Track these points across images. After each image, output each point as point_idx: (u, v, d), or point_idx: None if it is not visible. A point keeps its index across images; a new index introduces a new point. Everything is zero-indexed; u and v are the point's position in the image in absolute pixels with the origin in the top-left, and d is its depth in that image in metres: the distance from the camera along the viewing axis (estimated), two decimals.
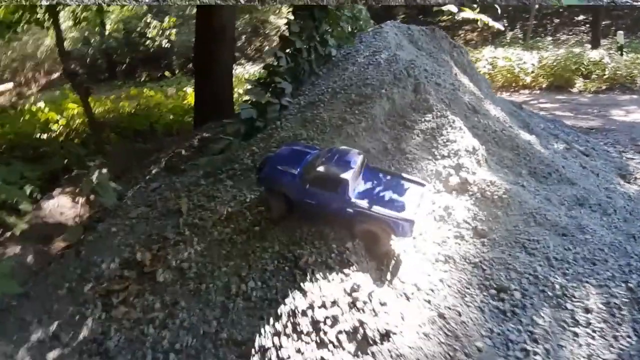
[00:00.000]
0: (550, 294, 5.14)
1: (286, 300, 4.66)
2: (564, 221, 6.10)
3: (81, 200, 8.43)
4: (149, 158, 9.55)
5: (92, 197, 8.06)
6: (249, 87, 7.83)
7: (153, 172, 8.29)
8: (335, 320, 4.32)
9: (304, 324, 4.39)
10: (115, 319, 5.11)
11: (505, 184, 6.12)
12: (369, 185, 5.45)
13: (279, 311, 4.61)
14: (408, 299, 4.76)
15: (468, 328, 4.66)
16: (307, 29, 8.06)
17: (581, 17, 19.40)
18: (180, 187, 7.18)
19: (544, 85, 17.04)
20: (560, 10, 19.57)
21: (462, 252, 5.49)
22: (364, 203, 5.08)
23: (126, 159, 10.39)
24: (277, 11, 25.10)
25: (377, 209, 5.02)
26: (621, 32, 15.57)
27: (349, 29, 8.67)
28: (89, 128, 11.60)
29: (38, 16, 10.67)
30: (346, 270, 4.77)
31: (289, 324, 4.46)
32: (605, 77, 15.45)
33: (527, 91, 17.21)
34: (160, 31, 24.61)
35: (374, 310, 4.36)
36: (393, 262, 5.13)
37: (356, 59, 7.79)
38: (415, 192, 5.37)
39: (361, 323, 4.26)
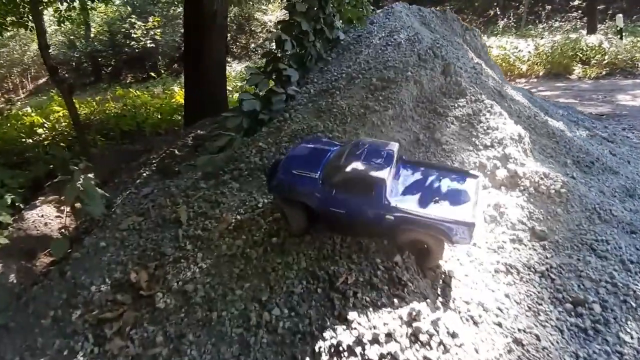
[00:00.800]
0: (633, 304, 4.20)
1: (325, 334, 3.55)
2: (628, 216, 5.17)
3: (66, 209, 7.22)
4: (138, 160, 8.29)
5: (78, 205, 6.87)
6: (250, 74, 6.66)
7: (144, 175, 7.06)
8: (394, 359, 3.25)
9: None
10: (110, 355, 3.99)
11: (561, 176, 5.13)
12: (409, 182, 4.32)
13: (316, 348, 3.50)
14: (476, 323, 3.70)
15: (551, 355, 3.65)
16: (312, 9, 6.93)
17: (576, 3, 18.72)
18: (177, 192, 6.00)
19: (540, 73, 16.25)
20: None
21: (523, 259, 4.49)
22: (408, 206, 3.96)
23: (113, 161, 9.11)
24: (265, 5, 23.83)
25: (425, 212, 3.90)
26: (620, 15, 14.87)
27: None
28: (73, 129, 10.28)
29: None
30: (398, 292, 3.69)
31: None
32: (605, 62, 14.73)
33: (523, 80, 16.38)
34: (145, 31, 23.35)
35: (442, 344, 3.29)
36: (446, 276, 4.08)
37: (371, 41, 6.69)
38: (469, 186, 4.25)
39: None
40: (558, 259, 4.52)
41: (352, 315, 3.57)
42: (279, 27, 6.92)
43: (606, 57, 14.68)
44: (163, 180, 6.70)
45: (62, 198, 7.35)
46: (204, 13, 8.76)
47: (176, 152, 7.53)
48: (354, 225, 4.18)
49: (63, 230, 6.88)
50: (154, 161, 7.51)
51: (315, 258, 4.17)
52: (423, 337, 3.32)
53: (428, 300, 3.66)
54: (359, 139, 4.60)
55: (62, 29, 26.23)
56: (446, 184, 4.29)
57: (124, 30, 23.52)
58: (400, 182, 4.31)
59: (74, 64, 25.83)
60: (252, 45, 23.30)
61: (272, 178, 4.49)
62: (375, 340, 3.35)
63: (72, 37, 25.89)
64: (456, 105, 5.67)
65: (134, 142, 10.91)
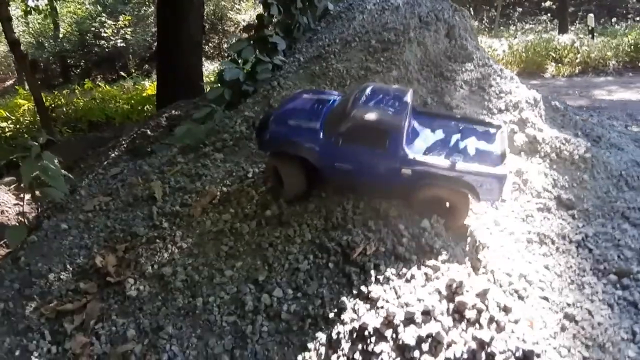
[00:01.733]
0: None
1: (343, 317, 2.75)
2: None
3: (25, 195, 6.13)
4: (106, 145, 7.25)
5: (37, 192, 5.83)
6: (234, 40, 5.84)
7: (112, 156, 6.06)
8: (437, 342, 2.48)
9: (383, 351, 2.52)
10: (70, 354, 3.11)
11: (583, 141, 4.58)
12: (425, 133, 3.59)
13: (334, 334, 2.70)
14: (522, 298, 3.00)
15: (608, 332, 3.00)
16: None
17: (547, 4, 18.93)
18: (150, 170, 5.09)
19: (515, 71, 16.14)
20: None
21: (555, 228, 3.85)
22: (427, 158, 3.24)
23: (80, 148, 8.01)
24: (238, 4, 22.96)
25: (449, 164, 3.18)
26: (591, 15, 14.98)
27: None
28: (37, 112, 9.12)
29: None
30: (431, 262, 2.94)
31: (357, 354, 2.57)
32: (577, 60, 14.72)
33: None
34: (116, 31, 22.02)
35: (494, 321, 2.55)
36: (480, 246, 3.37)
37: (364, 7, 6.00)
38: (493, 136, 3.58)
39: (481, 344, 2.45)
40: (592, 228, 3.92)
41: (376, 291, 2.79)
42: None
43: (579, 55, 14.68)
44: (134, 161, 5.74)
45: (22, 185, 6.32)
46: None
47: (148, 132, 6.56)
48: (362, 184, 3.44)
49: (21, 217, 5.80)
50: (124, 143, 6.51)
51: (322, 228, 3.37)
52: (470, 314, 2.57)
53: (467, 271, 2.93)
54: (366, 83, 3.84)
55: (30, 29, 24.63)
56: (468, 135, 3.59)
57: (93, 29, 22.09)
58: (415, 133, 3.57)
59: (42, 65, 24.15)
60: (226, 45, 22.32)
61: (263, 132, 3.67)
62: (410, 321, 2.57)
63: (40, 38, 24.25)
64: (464, 69, 5.05)
65: (102, 132, 9.82)
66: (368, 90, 3.59)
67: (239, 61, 5.93)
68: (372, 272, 2.92)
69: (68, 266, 3.98)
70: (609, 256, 3.66)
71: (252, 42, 5.98)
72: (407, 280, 2.84)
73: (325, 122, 3.54)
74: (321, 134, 3.45)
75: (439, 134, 3.59)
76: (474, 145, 3.47)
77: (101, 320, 3.34)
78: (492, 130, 3.68)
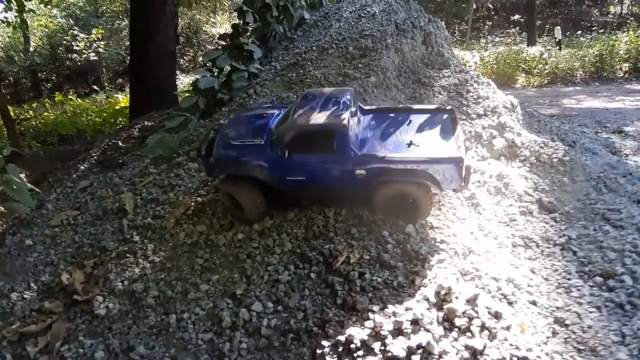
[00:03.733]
0: None
1: (328, 330, 2.59)
2: (629, 187, 4.70)
3: None
4: (76, 159, 6.89)
5: (2, 208, 5.44)
6: (208, 50, 5.68)
7: (81, 169, 5.74)
8: (428, 353, 2.34)
9: None
10: None
11: (562, 145, 4.59)
12: (376, 130, 3.44)
13: (318, 349, 2.52)
14: (511, 303, 2.90)
15: (598, 335, 2.93)
16: None
17: (515, 17, 19.53)
18: (120, 182, 4.83)
19: None
20: (492, 14, 19.63)
21: (539, 231, 3.79)
22: (380, 154, 3.09)
23: (48, 162, 7.60)
24: (213, 18, 22.81)
25: (402, 155, 3.05)
26: (558, 27, 15.52)
27: None
28: (3, 124, 8.62)
29: None
30: (417, 269, 2.81)
31: None
32: (546, 71, 15.18)
33: None
34: (88, 44, 21.47)
35: (486, 328, 2.44)
36: (466, 251, 3.26)
37: (341, 15, 5.97)
38: (444, 121, 3.43)
39: (474, 353, 2.32)
40: (574, 230, 3.88)
41: (362, 301, 2.64)
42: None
43: (547, 67, 15.15)
44: (104, 173, 5.47)
45: None
46: (153, 0, 7.71)
47: (120, 144, 6.28)
48: (319, 193, 3.32)
49: None
50: (94, 155, 6.20)
51: (303, 237, 3.21)
52: (460, 322, 2.44)
53: (455, 277, 2.82)
54: (307, 91, 3.75)
55: (0, 42, 23.86)
56: (419, 124, 3.47)
57: (65, 43, 21.51)
58: (365, 131, 3.44)
59: (11, 79, 23.31)
60: (201, 58, 22.11)
61: (208, 157, 3.53)
62: (398, 331, 2.42)
63: (10, 52, 23.43)
64: (441, 75, 5.03)
65: (73, 146, 9.40)
66: (308, 97, 3.51)
67: (214, 70, 5.77)
68: (357, 281, 2.77)
69: (32, 284, 3.74)
70: (593, 258, 3.61)
71: (227, 50, 5.84)
72: (394, 289, 2.70)
73: (271, 136, 3.41)
74: (268, 149, 3.32)
75: (389, 129, 3.45)
76: (425, 133, 3.34)
77: (67, 341, 3.12)
78: (443, 116, 3.53)
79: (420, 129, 3.40)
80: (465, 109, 4.69)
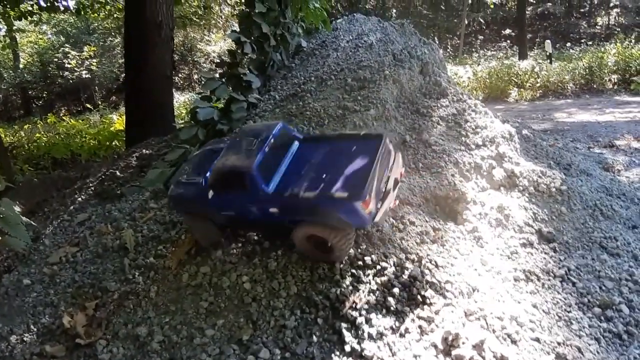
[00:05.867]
0: None
1: None
2: (624, 213, 4.81)
3: None
4: (72, 187, 6.88)
5: None
6: (206, 79, 5.74)
7: (79, 200, 5.74)
8: None
9: None
10: None
11: (559, 173, 4.69)
12: (301, 163, 3.46)
13: None
14: (515, 342, 2.95)
15: None
16: (272, 12, 6.23)
17: (506, 32, 19.91)
18: (120, 217, 4.84)
19: (480, 97, 16.75)
20: (484, 28, 19.98)
21: (539, 264, 3.86)
22: (290, 191, 3.17)
23: (43, 190, 7.56)
24: (208, 36, 22.97)
25: (307, 194, 3.06)
26: (549, 41, 15.85)
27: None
28: None
29: None
30: (424, 314, 2.86)
31: None
32: (538, 85, 15.45)
33: None
34: (80, 61, 21.49)
35: None
36: (470, 289, 3.31)
37: (338, 44, 6.08)
38: (369, 151, 3.28)
39: None
40: (573, 260, 3.96)
41: (369, 348, 2.67)
42: (237, 29, 6.13)
43: (539, 80, 15.41)
44: (103, 205, 5.46)
45: None
46: (148, 24, 7.78)
47: (118, 173, 6.29)
48: (259, 226, 3.60)
49: None
50: (91, 185, 6.20)
51: (308, 280, 3.24)
52: None
53: (461, 321, 2.86)
54: (241, 127, 3.96)
55: None
56: (345, 154, 3.38)
57: (56, 60, 21.48)
58: (294, 163, 3.48)
59: (0, 96, 23.21)
60: (196, 76, 22.24)
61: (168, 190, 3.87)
62: None
63: None
64: (439, 105, 5.13)
65: (67, 170, 9.35)
66: (239, 134, 3.70)
67: (212, 98, 5.82)
68: (365, 327, 2.80)
69: (32, 326, 3.71)
70: (592, 288, 3.70)
71: (225, 77, 5.91)
72: (402, 335, 2.73)
73: (209, 174, 3.56)
74: (204, 187, 3.54)
75: (315, 161, 3.44)
76: (345, 166, 3.25)
77: None
78: (371, 144, 3.34)
79: (343, 160, 3.32)
80: (464, 139, 4.78)
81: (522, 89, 15.83)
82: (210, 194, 3.42)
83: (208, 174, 3.56)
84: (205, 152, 4.11)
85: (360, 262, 3.22)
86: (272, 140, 3.41)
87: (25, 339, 3.63)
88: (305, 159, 3.47)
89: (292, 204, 3.11)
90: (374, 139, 3.38)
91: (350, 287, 3.06)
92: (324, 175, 3.19)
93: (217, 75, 6.13)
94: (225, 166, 3.35)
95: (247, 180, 3.22)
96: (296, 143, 3.62)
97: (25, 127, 14.10)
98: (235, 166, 3.28)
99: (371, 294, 2.98)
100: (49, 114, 17.12)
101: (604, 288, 3.77)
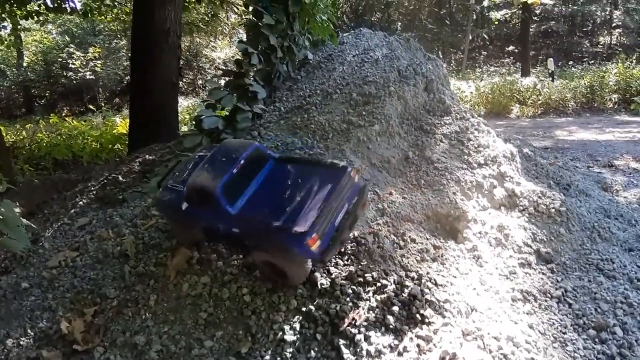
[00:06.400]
0: None
1: None
2: (620, 235, 4.86)
3: None
4: (73, 189, 6.90)
5: None
6: (211, 88, 5.80)
7: (80, 204, 5.76)
8: None
9: None
10: None
11: (558, 194, 4.74)
12: (264, 187, 3.48)
13: None
14: None
15: None
16: (280, 24, 6.32)
17: (510, 49, 20.13)
18: (121, 222, 4.86)
19: (482, 112, 16.87)
20: (488, 44, 20.18)
21: (537, 284, 3.90)
22: (248, 215, 3.25)
23: (43, 191, 7.57)
24: (214, 42, 23.16)
25: (264, 220, 3.14)
26: (551, 59, 16.02)
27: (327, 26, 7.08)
28: None
29: None
30: (423, 333, 2.88)
31: None
32: (539, 102, 15.59)
33: None
34: (85, 62, 21.59)
35: None
36: (469, 309, 3.34)
37: (344, 58, 6.16)
38: (332, 182, 3.25)
39: None
40: (570, 282, 4.01)
41: None
42: (245, 40, 6.21)
43: (540, 97, 15.56)
44: (104, 210, 5.48)
45: None
46: (156, 31, 7.86)
47: (120, 178, 6.32)
48: (233, 239, 3.62)
49: None
50: (92, 189, 6.23)
51: (308, 295, 3.26)
52: None
53: (459, 341, 2.89)
54: (220, 144, 3.99)
55: None
56: (303, 184, 3.37)
57: (61, 60, 21.58)
58: (264, 185, 3.50)
59: (3, 93, 23.28)
60: (200, 81, 22.38)
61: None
62: None
63: (2, 66, 23.45)
64: (442, 122, 5.20)
65: (69, 172, 9.37)
66: (217, 150, 3.77)
67: (217, 106, 5.88)
68: (363, 344, 2.83)
69: (29, 331, 3.71)
70: (587, 310, 3.74)
71: (230, 86, 5.97)
72: (400, 354, 2.76)
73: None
74: (182, 196, 3.61)
75: (280, 187, 3.46)
76: (306, 195, 3.25)
77: None
78: (335, 175, 3.32)
79: (304, 190, 3.32)
80: (467, 158, 4.84)
81: (524, 106, 15.97)
82: (184, 205, 3.51)
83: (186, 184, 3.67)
84: (194, 158, 4.15)
85: (360, 279, 3.25)
86: (242, 162, 3.48)
87: (21, 343, 3.63)
88: (273, 183, 3.51)
89: (250, 228, 3.22)
90: (338, 170, 3.36)
91: (350, 304, 3.09)
92: (283, 204, 3.25)
93: (222, 83, 6.19)
94: (195, 183, 3.47)
95: (212, 199, 3.32)
96: (270, 163, 3.63)
97: (27, 126, 14.12)
98: (203, 185, 3.40)
99: (371, 311, 3.00)
100: (51, 114, 17.17)
101: (599, 310, 3.81)
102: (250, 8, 7.43)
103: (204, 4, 12.64)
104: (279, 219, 3.08)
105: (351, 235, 3.57)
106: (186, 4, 10.87)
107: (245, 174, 3.47)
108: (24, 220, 5.09)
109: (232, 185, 3.37)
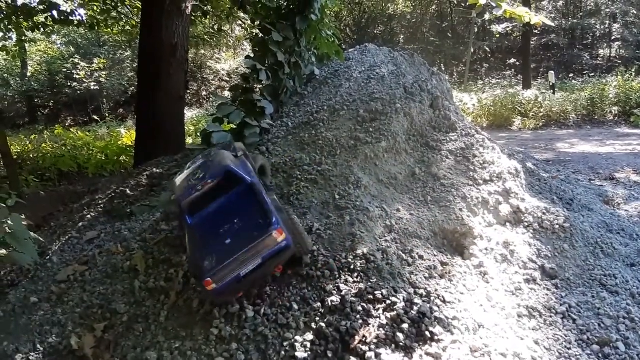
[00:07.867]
0: None
1: None
2: (623, 250, 4.92)
3: None
4: (79, 202, 6.98)
5: (2, 252, 5.46)
6: (219, 104, 5.91)
7: (88, 217, 5.84)
8: None
9: None
10: None
11: (562, 211, 4.81)
12: (220, 211, 3.49)
13: None
14: None
15: None
16: (287, 41, 6.45)
17: (511, 61, 20.36)
18: (130, 237, 4.93)
19: (484, 124, 17.03)
20: (489, 56, 20.41)
21: (542, 300, 3.96)
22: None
23: (49, 203, 7.66)
24: (218, 54, 23.42)
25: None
26: (552, 72, 16.21)
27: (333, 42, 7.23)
28: (2, 161, 8.71)
29: None
30: (432, 351, 2.94)
31: None
32: (541, 114, 15.75)
33: None
34: (89, 73, 21.80)
35: None
36: (476, 326, 3.40)
37: (350, 75, 6.28)
38: (251, 230, 3.29)
39: None
40: (574, 297, 4.06)
41: None
42: (252, 55, 6.33)
43: (542, 110, 15.72)
44: (112, 224, 5.56)
45: None
46: (163, 45, 8.01)
47: (128, 191, 6.40)
48: None
49: None
50: (100, 202, 6.31)
51: (320, 312, 3.33)
52: None
53: (466, 357, 2.94)
54: (210, 154, 4.04)
55: None
56: (237, 223, 3.40)
57: (65, 70, 21.82)
58: (216, 210, 3.52)
59: (6, 103, 23.50)
60: (204, 92, 22.58)
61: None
62: None
63: (5, 75, 23.71)
64: (448, 139, 5.29)
65: (74, 184, 9.46)
66: (205, 160, 3.91)
67: (223, 120, 5.98)
68: None
69: (38, 346, 3.72)
70: (591, 326, 3.79)
71: (238, 100, 6.08)
72: None
73: None
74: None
75: (225, 215, 3.50)
76: (228, 233, 3.36)
77: None
78: (262, 227, 3.24)
79: (234, 232, 3.38)
80: (472, 174, 4.92)
81: (525, 118, 16.14)
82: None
83: None
84: (201, 162, 4.11)
85: (370, 296, 3.31)
86: (209, 181, 3.49)
87: (31, 358, 3.66)
88: (223, 210, 3.51)
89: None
90: (265, 227, 3.23)
91: (360, 321, 3.14)
92: (213, 235, 3.41)
93: (227, 94, 6.29)
94: (177, 196, 3.69)
95: (180, 210, 3.54)
96: (237, 189, 3.51)
97: (32, 137, 14.26)
98: (177, 195, 3.67)
99: (381, 329, 3.06)
100: (55, 124, 17.32)
101: (602, 325, 3.86)
102: (257, 23, 7.60)
103: (209, 18, 12.87)
104: (202, 251, 3.34)
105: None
106: (192, 18, 11.05)
107: (211, 194, 3.50)
108: (32, 234, 5.16)
109: (196, 203, 3.50)
